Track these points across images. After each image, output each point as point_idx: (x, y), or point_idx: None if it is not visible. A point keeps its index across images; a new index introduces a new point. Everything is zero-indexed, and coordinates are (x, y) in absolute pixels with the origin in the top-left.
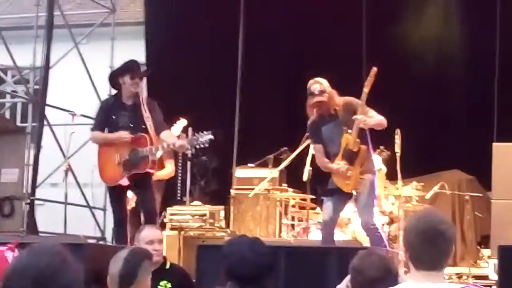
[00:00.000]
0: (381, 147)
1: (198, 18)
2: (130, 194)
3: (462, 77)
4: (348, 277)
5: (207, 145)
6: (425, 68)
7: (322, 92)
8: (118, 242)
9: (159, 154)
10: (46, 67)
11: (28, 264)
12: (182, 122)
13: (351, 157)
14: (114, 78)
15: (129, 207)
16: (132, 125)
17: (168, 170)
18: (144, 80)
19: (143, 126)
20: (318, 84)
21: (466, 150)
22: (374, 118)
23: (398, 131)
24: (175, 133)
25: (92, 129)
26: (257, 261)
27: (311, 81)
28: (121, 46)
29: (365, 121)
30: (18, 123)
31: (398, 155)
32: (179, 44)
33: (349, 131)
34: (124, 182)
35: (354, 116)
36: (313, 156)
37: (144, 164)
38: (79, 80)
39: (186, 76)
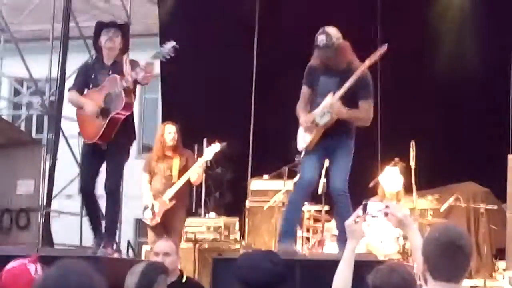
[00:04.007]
0: (396, 158)
1: (212, 30)
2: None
3: (477, 90)
4: (357, 211)
5: (172, 54)
6: (439, 81)
7: (326, 46)
8: (88, 216)
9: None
10: (62, 78)
11: (58, 284)
12: (215, 147)
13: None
14: (94, 46)
15: (154, 222)
16: None
17: (193, 177)
18: (159, 90)
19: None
20: (325, 35)
21: (481, 163)
22: (352, 112)
23: (413, 143)
24: (207, 158)
25: (69, 89)
26: (271, 270)
27: (320, 30)
28: (135, 57)
29: (336, 112)
30: (34, 135)
31: (413, 167)
32: (193, 55)
33: (332, 93)
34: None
35: (333, 94)
36: (327, 168)
37: (119, 102)
38: None
39: (201, 87)
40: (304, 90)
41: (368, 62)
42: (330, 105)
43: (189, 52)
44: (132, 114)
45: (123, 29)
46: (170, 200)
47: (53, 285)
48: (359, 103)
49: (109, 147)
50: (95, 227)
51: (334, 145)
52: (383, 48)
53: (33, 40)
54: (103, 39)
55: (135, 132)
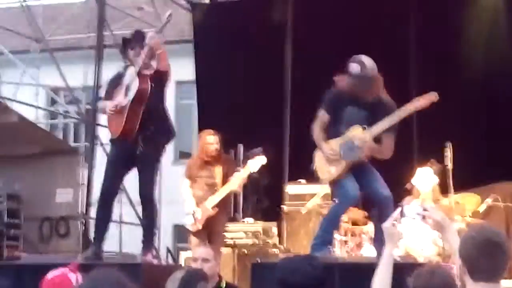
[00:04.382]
0: (432, 160)
1: (246, 35)
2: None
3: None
4: (394, 214)
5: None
6: (474, 81)
7: (360, 76)
8: (99, 223)
9: None
10: (97, 86)
11: None
12: (262, 160)
13: (347, 154)
14: (124, 59)
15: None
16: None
17: (234, 187)
18: (195, 96)
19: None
20: (359, 64)
21: None
22: (378, 149)
23: (449, 144)
24: (253, 170)
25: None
26: (310, 273)
27: (353, 58)
28: (171, 65)
29: (372, 149)
30: (71, 143)
31: (449, 168)
32: (228, 61)
33: (366, 127)
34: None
35: (366, 128)
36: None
37: (134, 90)
38: None
39: (236, 92)
40: (323, 115)
41: (412, 107)
42: (363, 142)
43: (224, 58)
44: (161, 107)
45: (142, 36)
46: (213, 208)
47: None
48: (383, 137)
49: (142, 152)
50: (102, 234)
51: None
52: (432, 96)
53: (68, 50)
54: (130, 53)
55: (173, 129)
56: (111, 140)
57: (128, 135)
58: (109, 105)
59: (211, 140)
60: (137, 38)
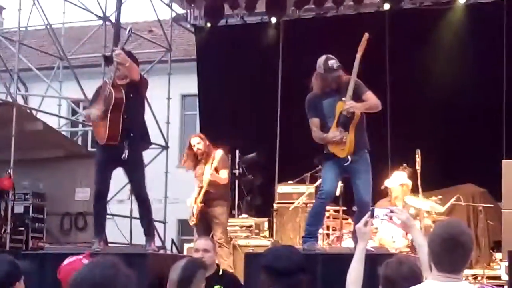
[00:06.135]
0: (404, 164)
1: (242, 55)
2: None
3: (474, 103)
4: (366, 216)
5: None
6: (440, 95)
7: (339, 67)
8: (97, 217)
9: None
10: None
11: (86, 276)
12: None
13: (345, 122)
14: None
15: (192, 223)
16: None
17: (223, 176)
18: (197, 107)
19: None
20: (335, 60)
21: (478, 167)
22: (364, 103)
23: (418, 151)
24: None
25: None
26: (291, 258)
27: (327, 57)
28: (176, 79)
29: (354, 107)
30: (89, 148)
31: (418, 171)
32: (226, 77)
33: (343, 99)
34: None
35: (343, 99)
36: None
37: (111, 100)
38: None
39: (233, 105)
40: (314, 121)
41: (359, 55)
42: (349, 107)
43: (223, 74)
44: (140, 115)
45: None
46: (200, 202)
47: (82, 277)
48: (363, 97)
49: (128, 156)
50: (102, 227)
51: (356, 160)
52: (365, 36)
53: (87, 66)
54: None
55: (149, 138)
56: (98, 146)
57: (113, 140)
58: (87, 112)
59: (193, 141)
60: (112, 55)
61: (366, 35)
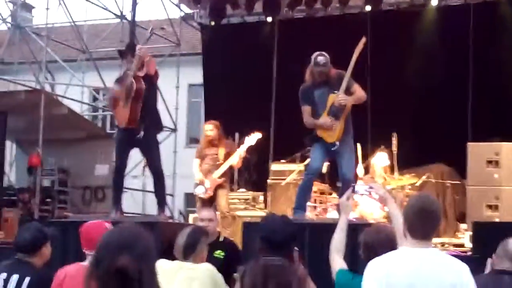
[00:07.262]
0: (382, 146)
1: (243, 49)
2: (200, 190)
3: (444, 93)
4: (348, 192)
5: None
6: (415, 86)
7: (326, 63)
8: (116, 189)
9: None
10: None
11: (112, 237)
12: (256, 135)
13: (336, 112)
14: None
15: (207, 195)
16: None
17: (235, 160)
18: (202, 95)
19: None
20: (324, 57)
21: (447, 148)
22: (353, 96)
23: (394, 134)
24: (250, 143)
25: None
26: (285, 230)
27: (318, 53)
28: (184, 71)
29: (345, 100)
30: (108, 130)
31: (395, 153)
32: (229, 68)
33: (336, 92)
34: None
35: (336, 92)
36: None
37: (137, 81)
38: None
39: (234, 92)
40: (306, 108)
41: (354, 57)
42: (340, 99)
43: (225, 66)
44: (154, 104)
45: (134, 48)
46: (219, 177)
47: (108, 238)
48: (351, 89)
49: (144, 138)
50: (119, 198)
51: (342, 144)
52: (363, 41)
53: (106, 59)
54: (126, 61)
55: (161, 123)
56: (118, 128)
57: (132, 124)
58: (115, 91)
59: (207, 128)
60: (130, 49)
61: (364, 39)
